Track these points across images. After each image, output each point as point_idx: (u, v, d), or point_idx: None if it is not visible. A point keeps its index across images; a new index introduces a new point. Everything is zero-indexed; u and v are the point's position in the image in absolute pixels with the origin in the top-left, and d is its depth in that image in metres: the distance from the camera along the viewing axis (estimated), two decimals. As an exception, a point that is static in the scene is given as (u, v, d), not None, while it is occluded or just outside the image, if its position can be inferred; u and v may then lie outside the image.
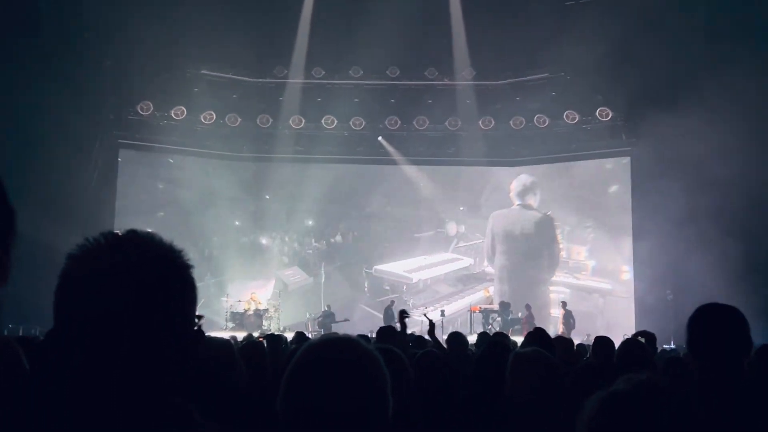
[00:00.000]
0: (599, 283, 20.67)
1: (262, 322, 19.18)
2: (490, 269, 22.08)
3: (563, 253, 21.52)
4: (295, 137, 21.62)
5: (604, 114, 20.14)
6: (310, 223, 22.74)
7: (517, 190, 21.79)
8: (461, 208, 22.63)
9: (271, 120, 21.41)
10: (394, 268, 22.24)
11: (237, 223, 22.05)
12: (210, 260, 21.36)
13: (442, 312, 18.85)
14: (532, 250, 21.26)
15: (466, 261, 22.63)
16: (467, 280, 22.48)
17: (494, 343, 3.90)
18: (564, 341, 5.36)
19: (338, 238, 22.80)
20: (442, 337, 6.68)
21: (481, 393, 3.35)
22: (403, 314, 6.15)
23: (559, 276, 21.27)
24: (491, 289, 21.26)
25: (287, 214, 21.92)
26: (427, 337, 6.85)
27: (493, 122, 21.24)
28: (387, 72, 21.42)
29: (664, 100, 16.45)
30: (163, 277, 1.10)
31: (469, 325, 18.87)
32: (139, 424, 1.04)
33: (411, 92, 21.56)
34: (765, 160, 15.56)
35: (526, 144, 21.36)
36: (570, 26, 17.79)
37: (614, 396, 1.28)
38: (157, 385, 1.07)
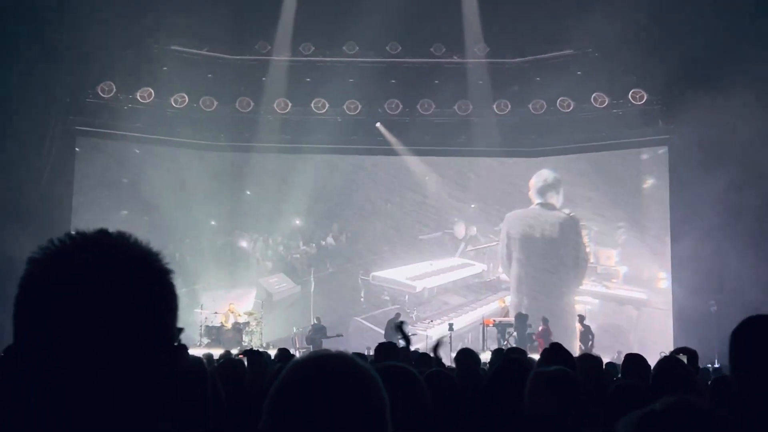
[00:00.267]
0: (632, 293, 20.68)
1: (241, 337, 19.16)
2: (505, 277, 22.07)
3: (590, 259, 21.51)
4: (281, 124, 21.59)
5: (638, 96, 20.13)
6: (298, 223, 22.71)
7: (537, 187, 21.77)
8: (472, 206, 22.62)
9: (252, 104, 21.38)
10: (395, 275, 22.23)
11: (213, 222, 22.02)
12: (181, 266, 21.29)
13: (451, 326, 18.84)
14: (555, 255, 21.25)
15: (479, 267, 22.62)
16: (480, 289, 22.48)
17: (510, 360, 3.90)
18: (591, 360, 5.36)
19: (330, 240, 22.78)
20: (450, 354, 6.68)
21: (494, 417, 3.34)
22: (401, 326, 6.16)
23: (585, 285, 21.27)
24: (507, 299, 21.27)
25: (271, 212, 21.90)
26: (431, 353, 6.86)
27: (510, 106, 21.23)
28: (387, 48, 21.39)
29: (707, 80, 16.44)
30: (139, 283, 1.09)
31: (481, 341, 18.86)
32: None
33: (414, 72, 21.54)
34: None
35: (548, 132, 21.33)
36: (598, -5, 17.78)
37: (653, 416, 1.28)
38: (138, 407, 1.06)
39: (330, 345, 18.05)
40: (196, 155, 21.35)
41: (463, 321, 21.12)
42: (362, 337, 19.81)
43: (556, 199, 21.69)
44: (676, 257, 19.08)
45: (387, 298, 22.09)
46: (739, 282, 15.39)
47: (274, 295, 22.17)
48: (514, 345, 16.71)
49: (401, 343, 5.94)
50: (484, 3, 20.30)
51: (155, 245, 1.16)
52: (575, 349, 17.22)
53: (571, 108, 20.75)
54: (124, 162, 20.84)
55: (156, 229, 20.28)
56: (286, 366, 1.36)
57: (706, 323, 16.54)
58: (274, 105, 21.35)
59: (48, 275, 1.07)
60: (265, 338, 19.91)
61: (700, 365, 7.66)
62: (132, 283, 1.08)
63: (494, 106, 21.24)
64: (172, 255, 21.18)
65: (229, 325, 19.28)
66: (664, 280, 20.11)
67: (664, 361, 4.64)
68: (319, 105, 21.34)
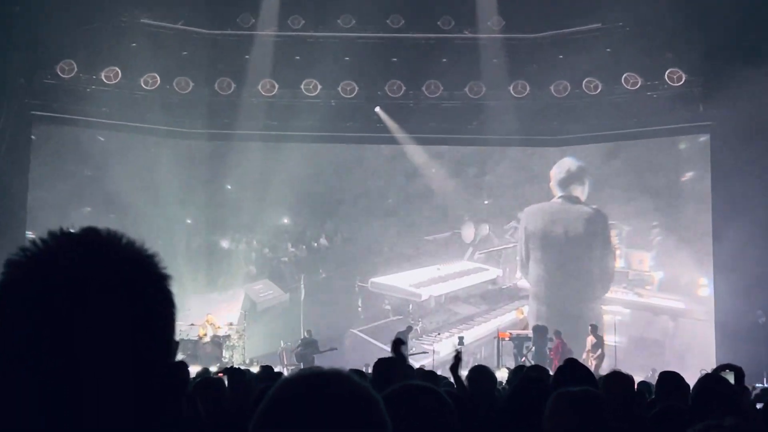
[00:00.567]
0: (668, 301, 20.68)
1: (221, 352, 19.18)
2: (524, 283, 22.08)
3: (620, 262, 21.51)
4: (266, 108, 21.58)
5: (676, 77, 20.12)
6: (286, 221, 22.71)
7: (560, 178, 21.78)
8: (485, 203, 22.62)
9: (233, 85, 21.38)
10: (397, 281, 22.25)
11: (188, 221, 22.02)
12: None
13: (461, 339, 18.86)
14: (579, 256, 21.25)
15: (493, 272, 22.62)
16: (494, 297, 22.48)
17: (528, 379, 3.90)
18: (620, 378, 5.35)
19: (323, 241, 22.78)
20: (461, 372, 6.69)
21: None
22: (398, 344, 6.16)
23: (614, 292, 21.27)
24: (526, 309, 21.27)
25: (255, 209, 21.90)
26: (441, 372, 6.86)
27: (528, 88, 21.22)
28: (388, 22, 21.39)
29: (755, 57, 16.42)
30: (132, 288, 1.08)
31: (496, 357, 18.87)
32: None
33: (419, 49, 21.53)
34: None
35: (572, 118, 21.33)
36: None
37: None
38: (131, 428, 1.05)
39: (323, 361, 18.07)
40: (169, 144, 21.34)
41: (475, 334, 21.13)
42: (360, 352, 19.79)
43: (580, 192, 21.70)
44: (719, 261, 19.06)
45: (388, 307, 22.10)
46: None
47: (258, 305, 22.17)
48: (533, 362, 16.74)
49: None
50: (499, -30, 20.33)
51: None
52: (611, 366, 17.23)
53: (598, 90, 20.73)
54: (87, 152, 20.82)
55: (123, 228, 19.96)
56: (275, 384, 1.35)
57: (754, 336, 16.54)
58: (259, 87, 21.34)
59: (29, 280, 1.06)
60: (249, 354, 19.93)
61: (747, 384, 7.65)
62: (124, 289, 1.07)
63: (510, 88, 21.22)
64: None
65: (207, 339, 19.28)
66: (704, 286, 20.10)
67: (706, 380, 4.64)
68: (310, 87, 21.33)
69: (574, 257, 21.29)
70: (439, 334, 20.61)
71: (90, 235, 1.12)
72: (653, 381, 11.71)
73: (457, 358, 6.58)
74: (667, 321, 20.67)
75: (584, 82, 20.76)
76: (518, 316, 20.91)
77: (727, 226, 18.25)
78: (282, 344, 20.37)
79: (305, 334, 20.00)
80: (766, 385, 13.19)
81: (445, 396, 2.30)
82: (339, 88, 21.40)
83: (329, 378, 1.32)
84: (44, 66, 20.16)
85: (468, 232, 22.60)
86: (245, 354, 19.85)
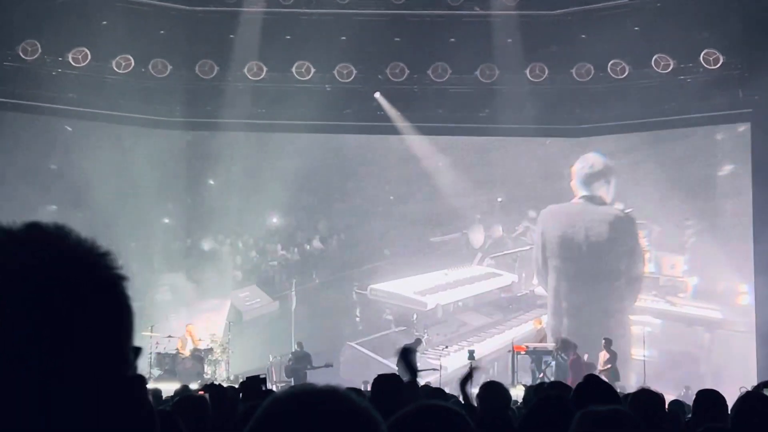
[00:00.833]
0: (704, 311, 20.68)
1: (203, 367, 19.18)
2: (542, 290, 22.08)
3: (650, 266, 21.50)
4: (253, 93, 21.58)
5: (712, 59, 20.10)
6: (275, 221, 22.71)
7: (582, 175, 21.77)
8: (498, 200, 22.62)
9: (216, 68, 21.38)
10: (400, 288, 22.25)
11: (166, 220, 22.02)
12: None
13: (471, 353, 18.84)
14: (603, 263, 21.25)
15: (507, 278, 22.63)
16: (509, 306, 22.49)
17: (548, 398, 3.90)
18: (649, 396, 5.36)
19: (316, 243, 22.79)
20: (472, 390, 6.69)
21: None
22: (407, 353, 6.16)
23: (644, 301, 21.27)
24: (544, 319, 21.28)
25: (241, 207, 21.91)
26: (449, 390, 6.86)
27: (547, 72, 21.22)
28: (389, -4, 21.39)
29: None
30: (76, 292, 1.06)
31: (511, 373, 18.87)
32: None
33: (425, 27, 21.52)
34: None
35: (596, 104, 21.32)
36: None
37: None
38: None
39: (316, 377, 18.09)
40: (144, 134, 21.33)
41: (487, 347, 21.12)
42: (358, 367, 19.82)
43: (605, 191, 21.68)
44: (761, 265, 19.07)
45: (390, 317, 22.10)
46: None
47: (244, 314, 22.17)
48: (552, 379, 16.74)
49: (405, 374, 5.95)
50: (514, -61, 20.32)
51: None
52: (639, 383, 17.25)
53: (626, 74, 20.72)
54: (53, 143, 20.84)
55: (93, 228, 20.08)
56: (264, 402, 1.35)
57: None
58: (245, 70, 21.34)
59: None
60: (233, 369, 19.92)
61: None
62: (68, 291, 1.05)
63: (527, 72, 21.22)
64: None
65: (186, 353, 19.29)
66: (744, 294, 20.11)
67: (747, 399, 4.64)
68: (303, 70, 21.33)
69: (597, 264, 21.26)
70: (446, 347, 20.59)
71: (32, 231, 1.10)
72: (687, 400, 11.71)
73: (469, 374, 6.57)
74: (703, 333, 20.67)
75: (610, 64, 20.75)
76: (536, 326, 20.89)
77: (770, 226, 18.28)
78: (271, 358, 20.35)
79: (297, 347, 19.99)
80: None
81: (470, 422, 2.29)
82: (335, 72, 21.39)
83: (324, 395, 1.32)
84: (4, 47, 20.15)
85: (477, 236, 22.56)
86: (229, 369, 19.84)
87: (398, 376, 5.87)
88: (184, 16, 21.27)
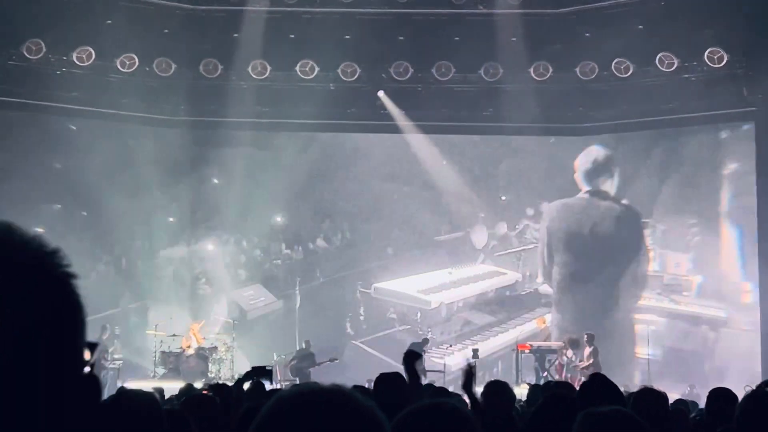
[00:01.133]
0: (708, 309, 20.66)
1: (207, 366, 19.19)
2: (546, 289, 22.08)
3: (654, 265, 21.49)
4: (257, 92, 21.59)
5: (717, 57, 20.07)
6: (279, 220, 22.72)
7: (585, 169, 21.77)
8: (502, 198, 22.61)
9: (220, 67, 21.39)
10: (404, 286, 22.25)
11: (170, 219, 22.03)
12: (129, 275, 21.32)
13: (475, 352, 18.86)
14: (608, 260, 21.24)
15: (512, 276, 22.61)
16: (513, 304, 22.48)
17: (554, 397, 3.89)
18: (652, 396, 5.34)
19: (320, 242, 22.79)
20: (475, 389, 6.68)
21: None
22: (412, 356, 6.14)
23: (648, 299, 21.26)
24: (549, 317, 21.26)
25: (245, 206, 21.91)
26: (452, 389, 6.84)
27: (551, 70, 21.20)
28: (393, -5, 21.39)
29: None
30: (28, 289, 1.04)
31: (515, 372, 18.88)
32: None
33: (429, 26, 21.51)
34: None
35: (600, 102, 21.31)
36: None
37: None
38: None
39: (321, 375, 18.09)
40: (148, 133, 21.36)
41: (492, 346, 21.13)
42: (362, 366, 19.81)
43: (609, 185, 21.69)
44: (765, 264, 19.04)
45: (393, 316, 22.11)
46: None
47: (248, 313, 22.19)
48: (556, 377, 16.75)
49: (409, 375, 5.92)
50: (518, -63, 20.29)
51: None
52: (643, 382, 17.22)
53: (629, 72, 20.71)
54: (57, 142, 20.85)
55: (97, 227, 20.28)
56: (268, 402, 1.34)
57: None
58: (249, 69, 21.34)
59: None
60: (237, 368, 19.92)
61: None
62: (15, 290, 1.03)
63: (531, 70, 21.21)
64: (117, 261, 21.22)
65: (191, 351, 19.31)
66: (749, 292, 20.08)
67: (752, 398, 4.62)
68: (306, 69, 21.33)
69: (602, 260, 21.27)
70: (450, 346, 20.61)
71: None
72: (691, 398, 11.68)
73: (469, 373, 6.55)
74: (707, 331, 20.65)
75: (614, 63, 20.73)
76: (539, 325, 20.90)
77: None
78: (275, 356, 20.35)
79: (303, 345, 20.01)
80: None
81: (473, 421, 2.28)
82: (338, 71, 21.39)
83: (329, 395, 1.31)
84: (8, 46, 20.17)
85: (479, 236, 22.55)
86: (233, 368, 19.86)
87: (401, 375, 5.86)
88: (188, 15, 21.28)
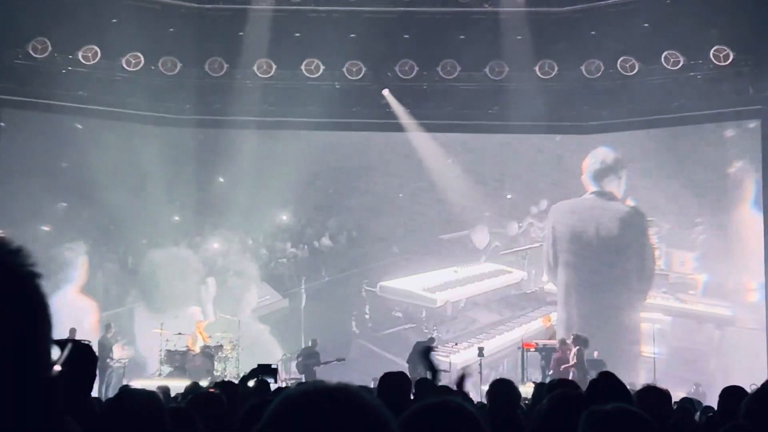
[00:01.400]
0: (714, 308, 20.63)
1: (213, 365, 19.20)
2: (552, 287, 22.06)
3: (660, 263, 21.45)
4: (263, 91, 21.59)
5: (723, 55, 20.03)
6: (284, 218, 22.72)
7: (593, 170, 21.74)
8: (508, 197, 22.59)
9: (226, 66, 21.39)
10: (409, 285, 22.24)
11: (176, 218, 22.06)
12: (135, 273, 21.35)
13: (481, 350, 18.84)
14: (613, 259, 21.22)
15: (517, 275, 22.60)
16: (518, 303, 22.46)
17: (563, 397, 3.88)
18: (655, 394, 5.34)
19: (325, 240, 22.79)
20: (481, 387, 6.69)
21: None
22: (428, 353, 6.15)
23: (653, 298, 21.23)
24: (554, 316, 21.25)
25: (250, 205, 21.92)
26: (449, 385, 6.86)
27: (556, 68, 21.17)
28: (398, -7, 21.37)
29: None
30: None
31: (520, 370, 18.86)
32: None
33: (434, 24, 21.48)
34: None
35: (605, 101, 21.29)
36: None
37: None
38: None
39: (327, 374, 18.09)
40: (154, 132, 21.38)
41: (497, 344, 21.11)
42: (367, 364, 19.81)
43: (616, 186, 21.66)
44: (772, 262, 19.04)
45: (399, 314, 22.10)
46: None
47: (254, 311, 22.19)
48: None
49: (427, 374, 5.94)
50: (523, -65, 20.27)
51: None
52: (648, 380, 17.21)
53: (635, 70, 20.67)
54: (63, 140, 20.89)
55: (103, 226, 20.32)
56: (274, 400, 1.35)
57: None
58: (254, 67, 21.34)
59: None
60: (243, 366, 19.93)
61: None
62: None
63: (536, 69, 21.19)
64: (123, 260, 21.24)
65: (196, 350, 19.32)
66: (755, 291, 20.05)
67: (757, 397, 4.61)
68: (312, 67, 21.32)
69: (608, 260, 21.25)
70: (456, 344, 20.59)
71: None
72: (697, 397, 11.66)
73: (462, 376, 6.58)
74: (713, 330, 20.62)
75: (619, 61, 20.69)
76: (545, 324, 20.87)
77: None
78: (281, 355, 20.38)
79: (309, 343, 20.02)
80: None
81: (481, 421, 2.28)
82: (344, 69, 21.37)
83: (335, 393, 1.31)
84: (14, 45, 20.19)
85: (480, 237, 22.53)
86: (239, 366, 19.86)
87: (405, 373, 5.87)
88: (193, 14, 21.29)
